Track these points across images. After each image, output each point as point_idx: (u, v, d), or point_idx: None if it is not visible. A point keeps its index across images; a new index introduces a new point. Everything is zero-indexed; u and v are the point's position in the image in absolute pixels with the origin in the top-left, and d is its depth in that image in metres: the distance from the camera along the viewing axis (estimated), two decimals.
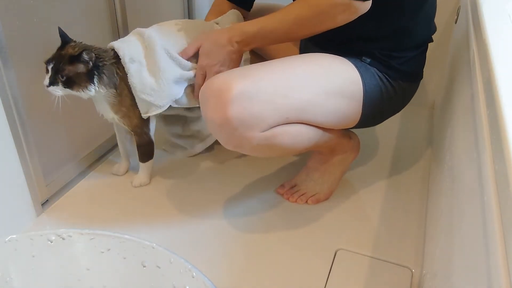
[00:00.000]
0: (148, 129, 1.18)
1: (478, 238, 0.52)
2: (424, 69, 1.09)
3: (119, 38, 1.33)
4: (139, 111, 1.11)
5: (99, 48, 1.06)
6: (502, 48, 0.68)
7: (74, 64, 1.00)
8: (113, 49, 1.08)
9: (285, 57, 1.00)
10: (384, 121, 1.16)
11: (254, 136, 0.93)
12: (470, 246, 0.57)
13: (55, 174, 1.21)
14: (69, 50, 1.02)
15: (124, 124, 1.15)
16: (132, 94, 1.09)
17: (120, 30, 1.34)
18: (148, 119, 1.16)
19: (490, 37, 0.72)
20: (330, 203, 1.20)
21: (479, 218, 0.53)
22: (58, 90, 1.01)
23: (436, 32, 1.11)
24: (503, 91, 0.56)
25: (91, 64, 1.01)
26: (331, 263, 1.01)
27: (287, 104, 0.94)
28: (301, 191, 1.20)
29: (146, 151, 1.22)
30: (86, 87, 1.02)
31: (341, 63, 1.02)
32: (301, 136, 0.99)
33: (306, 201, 1.19)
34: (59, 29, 1.03)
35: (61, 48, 1.03)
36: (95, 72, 1.03)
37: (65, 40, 1.04)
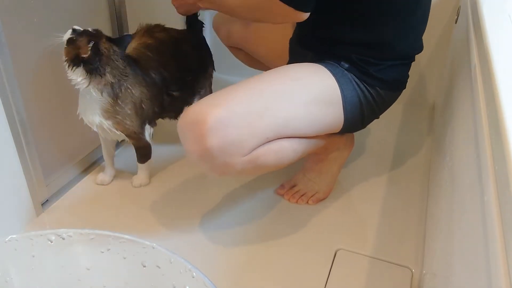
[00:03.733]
0: (144, 134, 1.17)
1: (478, 238, 0.52)
2: (424, 69, 1.09)
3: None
4: (137, 121, 1.13)
5: (121, 62, 1.06)
6: (502, 48, 0.68)
7: (87, 45, 1.00)
8: (125, 66, 1.08)
9: (257, 75, 1.00)
10: (384, 121, 1.16)
11: (237, 162, 0.92)
12: (470, 246, 0.57)
13: (55, 174, 1.21)
14: (104, 45, 1.03)
15: (116, 130, 1.12)
16: (135, 103, 1.10)
17: (121, 30, 1.34)
18: (144, 127, 1.17)
19: (490, 37, 0.72)
20: (330, 203, 1.20)
21: (479, 218, 0.53)
22: (65, 35, 1.01)
23: (436, 32, 1.11)
24: (503, 91, 0.56)
25: (85, 55, 1.00)
26: (331, 263, 1.01)
27: (263, 126, 0.93)
28: (301, 192, 1.20)
29: (143, 153, 1.22)
30: (66, 60, 1.01)
31: (316, 71, 1.01)
32: (284, 151, 0.99)
33: (307, 202, 1.19)
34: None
35: (110, 39, 1.06)
36: (93, 69, 1.01)
37: (116, 40, 1.07)
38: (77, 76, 1.02)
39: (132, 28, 1.36)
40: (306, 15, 0.93)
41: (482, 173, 0.56)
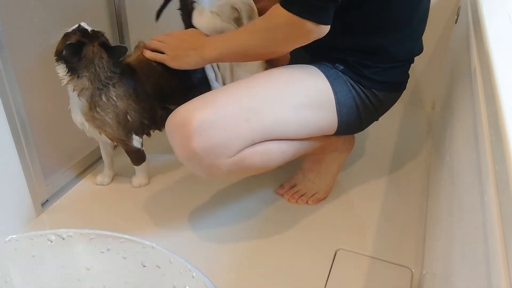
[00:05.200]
0: (131, 142, 1.15)
1: (478, 238, 0.52)
2: (424, 69, 1.08)
3: (119, 38, 1.34)
4: (120, 130, 1.10)
5: (113, 66, 1.04)
6: (502, 48, 0.68)
7: (73, 43, 1.00)
8: (112, 75, 1.05)
9: (249, 77, 0.99)
10: (384, 121, 1.16)
11: (222, 163, 0.92)
12: (470, 246, 0.57)
13: (55, 174, 1.21)
14: (91, 47, 1.01)
15: (99, 133, 1.11)
16: (118, 114, 1.08)
17: (120, 30, 1.34)
18: (130, 136, 1.14)
19: (490, 37, 0.72)
20: (330, 203, 1.20)
21: (479, 218, 0.53)
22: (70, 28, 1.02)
23: (436, 32, 1.11)
24: (503, 91, 0.56)
25: (63, 52, 1.00)
26: (331, 263, 1.01)
27: (249, 128, 0.92)
28: (300, 192, 1.20)
29: (135, 157, 1.20)
30: (58, 57, 1.01)
31: (308, 73, 1.00)
32: (271, 153, 0.98)
33: (307, 202, 1.19)
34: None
35: (106, 45, 1.04)
36: (72, 68, 1.01)
37: (113, 49, 1.05)
38: (60, 71, 1.02)
39: (132, 29, 1.36)
40: (328, 29, 0.90)
41: (482, 173, 0.56)
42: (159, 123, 1.18)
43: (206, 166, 0.92)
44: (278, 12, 0.89)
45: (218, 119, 0.90)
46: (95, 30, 1.03)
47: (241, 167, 0.95)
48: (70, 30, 1.02)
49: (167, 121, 0.94)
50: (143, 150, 1.20)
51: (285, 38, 0.93)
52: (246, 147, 0.94)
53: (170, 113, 1.14)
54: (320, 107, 0.99)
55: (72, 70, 1.01)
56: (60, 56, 1.01)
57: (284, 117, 0.96)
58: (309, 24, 0.88)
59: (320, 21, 0.88)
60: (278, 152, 0.99)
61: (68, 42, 1.00)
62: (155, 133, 1.23)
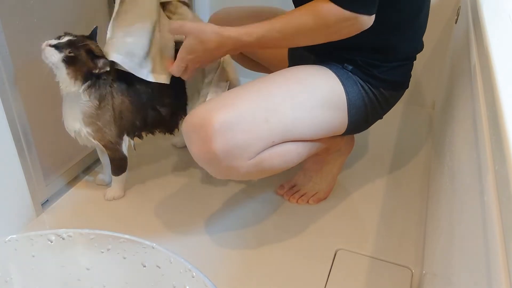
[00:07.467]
0: (121, 145, 1.14)
1: (478, 238, 0.52)
2: (424, 69, 1.09)
3: None
4: (115, 130, 1.10)
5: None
6: (502, 48, 0.68)
7: (89, 56, 1.00)
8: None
9: (263, 77, 0.98)
10: (384, 121, 1.16)
11: (242, 165, 0.91)
12: (470, 246, 0.57)
13: (55, 174, 1.21)
14: (93, 46, 1.01)
15: (93, 138, 1.09)
16: (114, 110, 1.07)
17: None
18: (122, 137, 1.13)
19: (490, 37, 0.72)
20: (330, 203, 1.20)
21: (479, 218, 0.53)
22: (55, 56, 0.97)
23: (436, 32, 1.11)
24: (503, 91, 0.56)
25: (97, 71, 1.01)
26: (331, 263, 1.01)
27: (270, 129, 0.92)
28: (301, 192, 1.20)
29: (119, 165, 1.18)
30: (76, 78, 0.99)
31: (322, 74, 1.00)
32: (289, 154, 0.98)
33: (307, 201, 1.19)
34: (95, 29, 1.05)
35: (88, 37, 1.03)
36: (93, 78, 1.02)
37: (92, 36, 1.04)
38: (85, 88, 1.02)
39: None
40: (373, 19, 0.89)
41: (482, 173, 0.56)
42: (152, 125, 1.17)
43: (224, 167, 0.91)
44: (329, 9, 0.86)
45: (239, 120, 0.89)
46: (74, 35, 1.01)
47: (259, 169, 0.94)
48: (59, 57, 0.97)
49: (184, 121, 0.93)
50: (126, 158, 1.17)
51: (336, 33, 0.91)
52: (266, 148, 0.93)
53: (160, 115, 1.14)
54: (333, 107, 0.99)
55: (101, 76, 1.03)
56: (88, 78, 1.01)
57: (302, 118, 0.96)
58: (363, 17, 0.87)
59: (372, 12, 0.88)
60: (295, 153, 0.99)
61: (100, 58, 1.00)
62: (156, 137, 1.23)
